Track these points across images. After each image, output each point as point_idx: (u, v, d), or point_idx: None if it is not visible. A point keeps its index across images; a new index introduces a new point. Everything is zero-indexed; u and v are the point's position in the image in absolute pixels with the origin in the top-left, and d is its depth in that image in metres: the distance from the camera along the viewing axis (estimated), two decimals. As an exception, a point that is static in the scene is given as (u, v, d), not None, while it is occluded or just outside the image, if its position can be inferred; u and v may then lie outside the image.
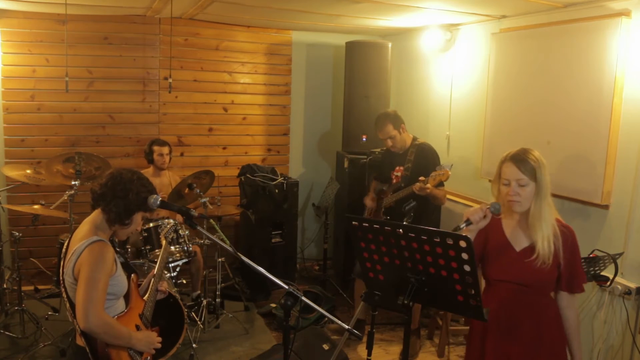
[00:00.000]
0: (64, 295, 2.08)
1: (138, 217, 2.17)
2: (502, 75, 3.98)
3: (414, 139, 3.94)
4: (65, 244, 2.14)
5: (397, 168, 3.94)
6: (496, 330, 2.13)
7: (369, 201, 4.19)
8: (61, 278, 2.09)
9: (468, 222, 2.03)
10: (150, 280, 2.42)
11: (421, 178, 3.45)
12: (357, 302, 4.14)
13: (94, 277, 1.96)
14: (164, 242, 2.91)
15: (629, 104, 3.11)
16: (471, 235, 2.06)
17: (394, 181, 3.95)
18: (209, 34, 5.15)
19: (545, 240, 2.04)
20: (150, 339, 2.18)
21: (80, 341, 2.05)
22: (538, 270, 2.05)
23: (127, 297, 2.21)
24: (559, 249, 2.06)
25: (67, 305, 2.06)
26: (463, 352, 3.50)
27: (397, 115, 3.86)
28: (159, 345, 2.22)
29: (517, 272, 2.09)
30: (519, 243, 2.12)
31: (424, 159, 3.81)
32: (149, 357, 2.26)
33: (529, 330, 2.11)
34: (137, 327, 2.19)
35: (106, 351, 2.01)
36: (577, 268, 2.12)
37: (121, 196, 2.09)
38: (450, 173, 3.31)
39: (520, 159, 2.06)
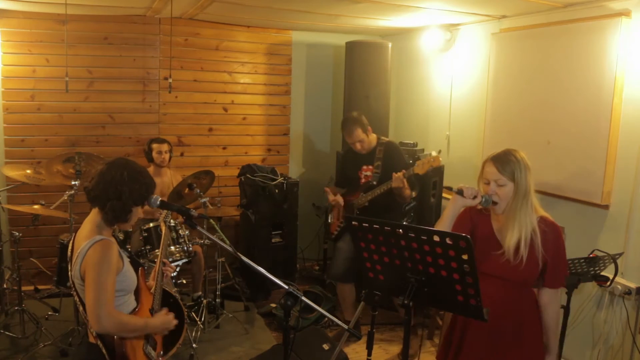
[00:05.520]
0: (76, 297, 2.07)
1: (137, 210, 2.13)
2: (502, 75, 3.98)
3: (379, 138, 4.01)
4: (70, 246, 2.12)
5: (365, 167, 3.96)
6: (479, 323, 2.15)
7: (332, 197, 4.06)
8: (70, 280, 2.08)
9: (459, 192, 2.12)
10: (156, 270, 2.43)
11: (398, 173, 3.52)
12: (343, 305, 4.14)
13: (101, 279, 1.94)
14: (163, 228, 2.89)
15: (629, 104, 3.12)
16: (455, 210, 2.16)
17: (363, 180, 3.96)
18: (209, 34, 5.15)
19: (513, 239, 2.06)
20: (166, 321, 2.21)
21: (92, 338, 2.05)
22: (521, 267, 2.07)
23: (136, 292, 2.21)
24: (538, 246, 2.07)
25: (81, 308, 2.05)
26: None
27: (364, 119, 3.92)
28: (173, 326, 2.24)
29: (501, 267, 2.12)
30: (504, 239, 2.15)
31: (393, 156, 3.90)
32: (161, 352, 2.28)
33: (511, 322, 2.14)
34: None
35: (123, 351, 2.02)
36: (560, 264, 2.13)
37: (115, 198, 2.03)
38: (440, 158, 3.37)
39: (501, 159, 2.11)
